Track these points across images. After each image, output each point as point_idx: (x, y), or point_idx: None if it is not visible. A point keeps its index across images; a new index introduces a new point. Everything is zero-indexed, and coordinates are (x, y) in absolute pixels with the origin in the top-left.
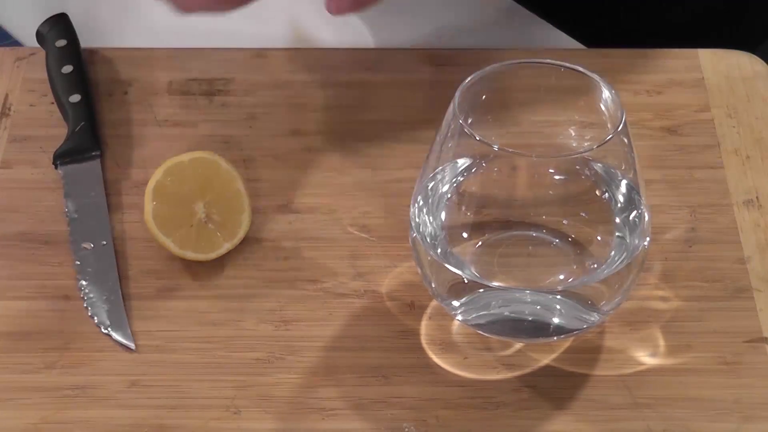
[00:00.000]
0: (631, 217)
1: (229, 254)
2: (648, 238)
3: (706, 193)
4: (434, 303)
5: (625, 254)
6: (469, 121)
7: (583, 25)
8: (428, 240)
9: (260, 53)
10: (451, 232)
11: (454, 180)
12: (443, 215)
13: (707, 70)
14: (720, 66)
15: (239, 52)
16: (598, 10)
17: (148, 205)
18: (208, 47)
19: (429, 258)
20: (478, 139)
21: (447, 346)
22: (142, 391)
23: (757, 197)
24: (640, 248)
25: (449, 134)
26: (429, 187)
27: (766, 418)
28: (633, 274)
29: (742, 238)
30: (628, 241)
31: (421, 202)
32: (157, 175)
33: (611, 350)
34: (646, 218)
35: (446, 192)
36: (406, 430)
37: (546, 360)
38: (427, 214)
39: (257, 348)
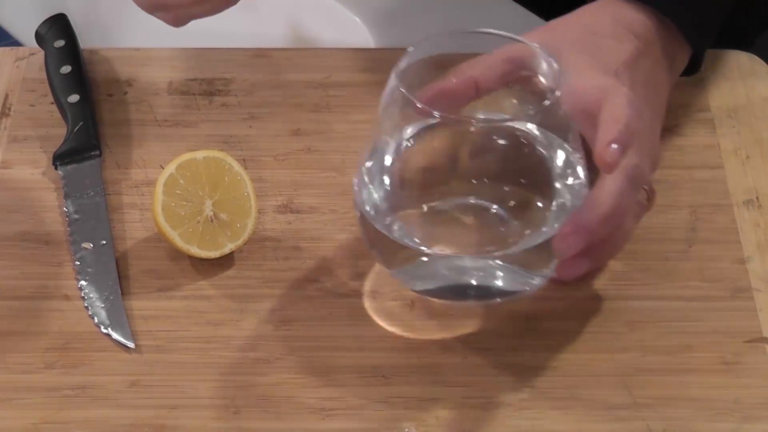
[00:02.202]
0: (570, 182)
1: (229, 254)
2: None
3: (706, 193)
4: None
5: (563, 218)
6: (412, 92)
7: None
8: (372, 212)
9: (260, 53)
10: (394, 203)
11: (396, 150)
12: (386, 186)
13: (707, 70)
14: (720, 66)
15: (239, 52)
16: None
17: (158, 197)
18: (208, 47)
19: (374, 229)
20: (419, 106)
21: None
22: (142, 391)
23: (757, 197)
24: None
25: (391, 103)
26: (372, 159)
27: (766, 418)
28: None
29: (742, 238)
30: (568, 206)
31: (365, 175)
32: (169, 169)
33: (611, 350)
34: (585, 182)
35: (389, 163)
36: (406, 430)
37: (546, 360)
38: (371, 185)
39: (257, 348)
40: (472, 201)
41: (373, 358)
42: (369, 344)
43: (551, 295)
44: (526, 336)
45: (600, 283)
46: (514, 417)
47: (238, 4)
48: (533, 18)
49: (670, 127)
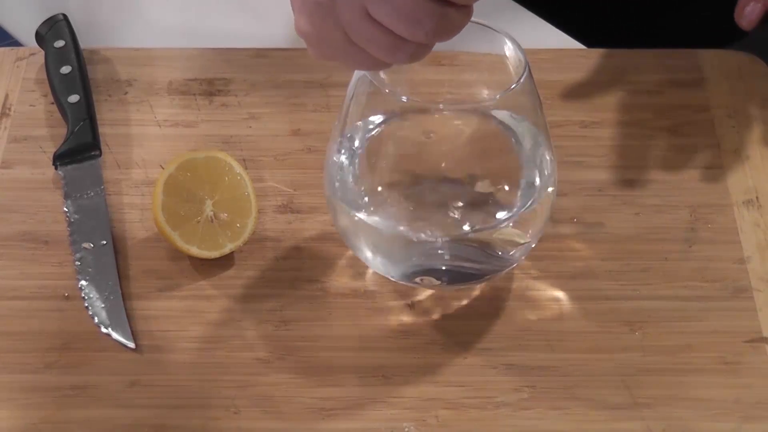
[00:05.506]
0: (538, 166)
1: (229, 254)
2: (552, 188)
3: (706, 193)
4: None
5: (530, 202)
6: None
7: (583, 25)
8: (341, 195)
9: (260, 53)
10: (364, 188)
11: (366, 137)
12: (356, 172)
13: (707, 70)
14: (720, 66)
15: (239, 52)
16: (598, 10)
17: (158, 197)
18: (208, 47)
19: (345, 214)
20: (387, 91)
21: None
22: (142, 391)
23: (757, 197)
24: (544, 195)
25: (358, 91)
26: (341, 145)
27: (766, 418)
28: (540, 221)
29: (742, 238)
30: (536, 187)
31: (335, 161)
32: (169, 169)
33: (611, 350)
34: (552, 167)
35: (358, 149)
36: (406, 430)
37: (546, 360)
38: (341, 170)
39: (257, 348)
40: (441, 185)
41: (373, 358)
42: (369, 344)
43: (551, 295)
44: (526, 336)
45: (600, 283)
46: (514, 417)
47: (238, 4)
48: (534, 18)
49: (670, 127)
